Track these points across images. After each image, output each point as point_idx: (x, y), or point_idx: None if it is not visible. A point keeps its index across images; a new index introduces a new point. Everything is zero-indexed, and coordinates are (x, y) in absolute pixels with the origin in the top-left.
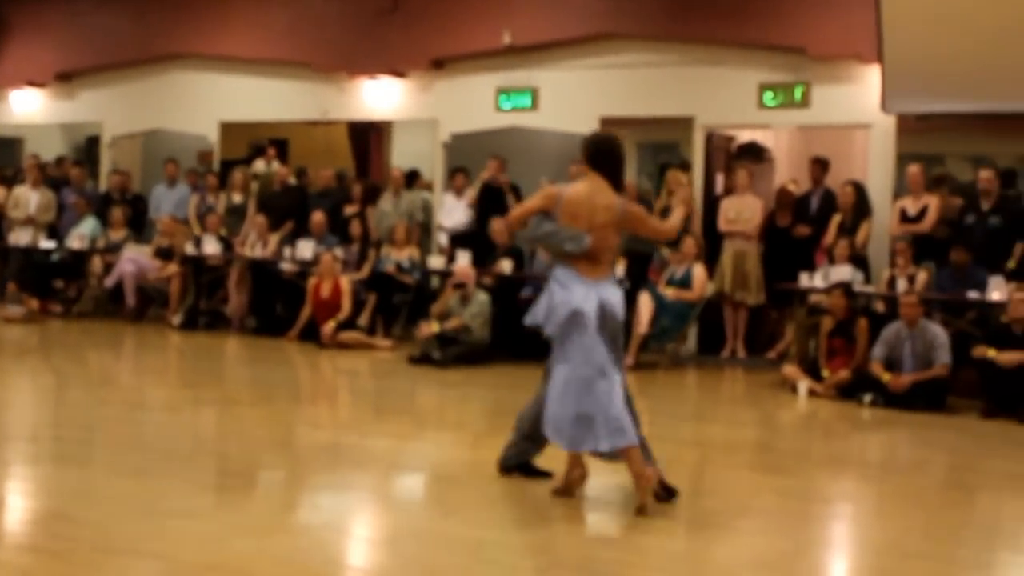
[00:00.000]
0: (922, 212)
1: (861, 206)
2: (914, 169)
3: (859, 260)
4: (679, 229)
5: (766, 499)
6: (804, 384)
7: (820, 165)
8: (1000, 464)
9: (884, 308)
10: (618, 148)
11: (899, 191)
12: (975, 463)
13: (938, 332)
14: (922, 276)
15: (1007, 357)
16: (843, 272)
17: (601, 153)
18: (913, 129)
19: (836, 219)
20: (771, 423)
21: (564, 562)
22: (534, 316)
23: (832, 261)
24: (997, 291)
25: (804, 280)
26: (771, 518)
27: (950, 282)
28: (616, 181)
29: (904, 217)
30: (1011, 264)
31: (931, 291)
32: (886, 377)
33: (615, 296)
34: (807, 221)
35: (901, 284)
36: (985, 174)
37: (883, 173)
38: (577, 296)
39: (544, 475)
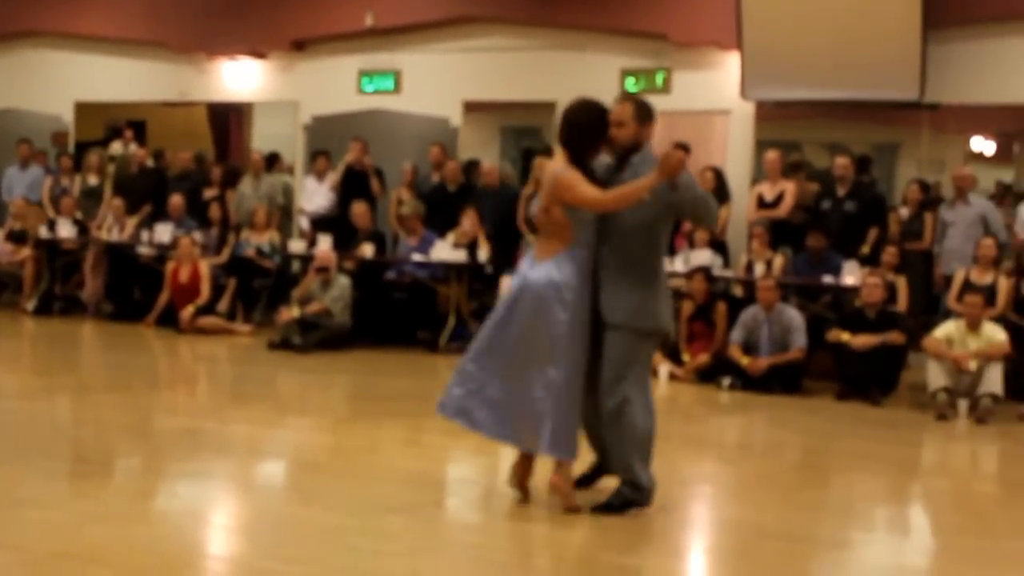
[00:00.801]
0: (779, 198)
1: (720, 192)
2: (772, 155)
3: (718, 245)
4: (633, 196)
5: None
6: (665, 368)
7: (681, 150)
8: (853, 444)
9: (742, 292)
10: (575, 114)
11: (757, 177)
12: (829, 444)
13: (794, 316)
14: (779, 261)
15: (860, 340)
16: (703, 257)
17: (560, 122)
18: (771, 116)
19: None
20: None
21: (428, 547)
22: None
23: (692, 246)
24: (851, 276)
25: (665, 265)
26: None
27: (806, 267)
28: (573, 151)
29: (761, 203)
30: (865, 249)
31: (788, 275)
32: (744, 361)
33: (544, 274)
34: None
35: (758, 269)
36: (841, 161)
37: (742, 159)
38: (514, 278)
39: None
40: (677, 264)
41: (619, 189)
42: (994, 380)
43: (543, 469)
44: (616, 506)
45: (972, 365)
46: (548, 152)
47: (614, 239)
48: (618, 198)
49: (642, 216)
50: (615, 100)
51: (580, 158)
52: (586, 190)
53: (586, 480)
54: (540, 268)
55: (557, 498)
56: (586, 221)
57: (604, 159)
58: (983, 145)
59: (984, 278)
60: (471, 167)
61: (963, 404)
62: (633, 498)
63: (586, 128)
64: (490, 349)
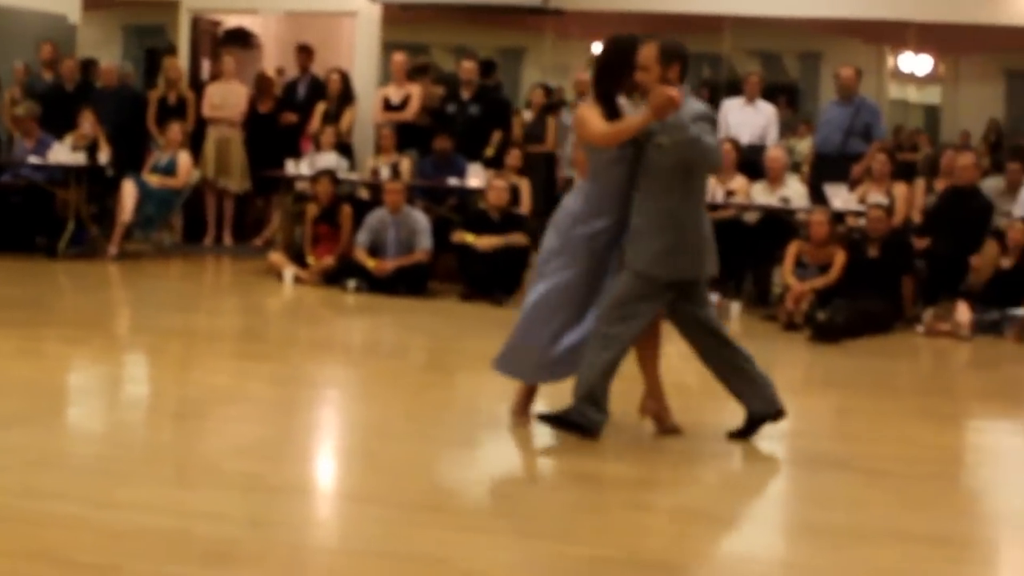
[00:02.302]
0: (405, 101)
1: (346, 94)
2: (398, 58)
3: (344, 147)
4: (625, 132)
5: (252, 386)
6: (290, 271)
7: (305, 52)
8: (478, 345)
9: (368, 195)
10: (605, 52)
11: (383, 80)
12: (454, 345)
13: (420, 218)
14: (405, 163)
15: (484, 242)
16: (328, 159)
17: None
18: (398, 18)
19: (321, 107)
20: (257, 311)
21: (43, 460)
22: None
23: (318, 148)
24: (476, 178)
25: (290, 167)
26: (257, 405)
27: (432, 169)
28: (600, 90)
29: (387, 105)
30: (489, 152)
31: (413, 178)
32: (370, 263)
33: (563, 203)
34: (295, 108)
35: (384, 171)
36: (466, 64)
37: (368, 62)
38: None
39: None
40: (302, 167)
41: (616, 124)
42: None
43: None
44: (567, 423)
45: None
46: (172, 51)
47: (644, 183)
48: (610, 133)
49: (669, 159)
50: (640, 41)
51: (603, 94)
52: (593, 125)
53: (742, 433)
54: (567, 197)
55: None
56: (607, 160)
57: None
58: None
59: None
60: (88, 66)
61: None
62: (586, 424)
63: (609, 64)
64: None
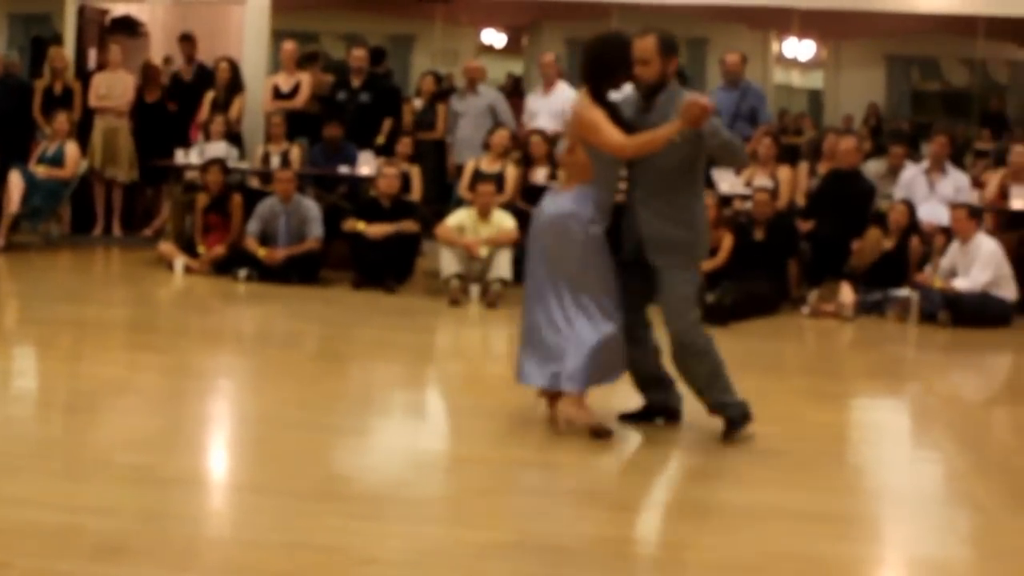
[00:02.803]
0: (295, 89)
1: (235, 82)
2: (288, 46)
3: (234, 136)
4: (651, 145)
5: (143, 378)
6: (180, 261)
7: (188, 41)
8: (370, 333)
9: (259, 184)
10: (597, 48)
11: (273, 68)
12: (347, 333)
13: (311, 206)
14: (295, 152)
15: (375, 230)
16: (218, 148)
17: (583, 56)
18: (287, 6)
19: (210, 95)
20: (148, 301)
21: None
22: None
23: (208, 137)
24: (367, 166)
25: (180, 157)
26: (148, 396)
27: (322, 157)
28: (595, 88)
29: (277, 93)
30: (380, 139)
31: (304, 166)
32: (261, 252)
33: (560, 205)
34: (181, 97)
35: (275, 160)
36: (356, 52)
37: (257, 50)
38: (534, 216)
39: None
40: (192, 156)
41: (641, 136)
42: (503, 265)
43: None
44: (735, 430)
45: (483, 252)
46: (58, 40)
47: (652, 181)
48: (641, 146)
49: (679, 156)
50: (635, 34)
51: (602, 95)
52: (610, 134)
53: (636, 417)
54: (557, 200)
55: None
56: (608, 161)
57: (630, 94)
58: (494, 38)
59: (494, 167)
60: None
61: (475, 289)
62: (740, 419)
63: (608, 64)
64: (537, 296)
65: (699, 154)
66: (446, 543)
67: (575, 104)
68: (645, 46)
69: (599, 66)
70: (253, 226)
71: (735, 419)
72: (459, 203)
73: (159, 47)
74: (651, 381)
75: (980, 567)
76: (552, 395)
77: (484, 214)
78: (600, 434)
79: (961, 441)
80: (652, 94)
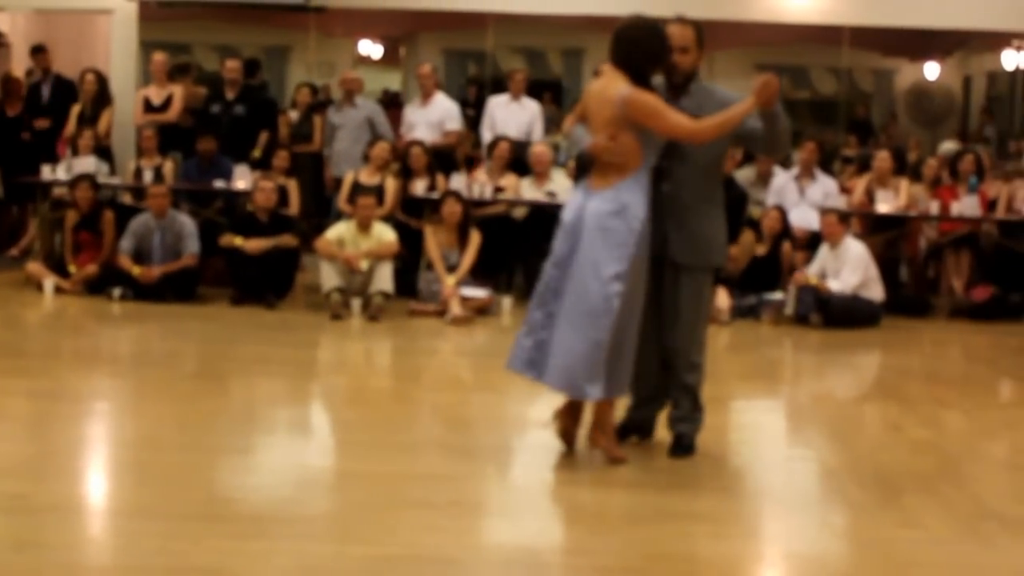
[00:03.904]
0: (167, 101)
1: (102, 95)
2: (159, 57)
3: (103, 151)
4: (728, 124)
5: (12, 403)
6: (50, 281)
7: (41, 53)
8: (250, 349)
9: (131, 200)
10: (634, 31)
11: (143, 80)
12: (226, 350)
13: (186, 222)
14: (169, 166)
15: (253, 245)
16: (87, 164)
17: (616, 41)
18: (157, 16)
19: (76, 109)
20: (17, 324)
21: None
22: None
23: (76, 152)
24: (243, 180)
25: (46, 173)
26: (18, 423)
27: (197, 171)
28: (635, 72)
29: (148, 107)
30: (256, 153)
31: (179, 181)
32: (136, 270)
33: (607, 204)
34: (41, 111)
35: (148, 175)
36: (230, 64)
37: (126, 61)
38: (566, 209)
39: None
40: (59, 172)
41: (715, 118)
42: (385, 278)
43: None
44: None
45: (363, 265)
46: None
47: (684, 175)
48: (716, 127)
49: (717, 150)
50: (670, 22)
51: (647, 81)
52: (679, 118)
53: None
54: (601, 197)
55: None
56: (655, 145)
57: (658, 80)
58: (371, 48)
59: (373, 179)
60: None
61: (356, 303)
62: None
63: (649, 49)
64: (556, 290)
65: (727, 151)
66: (334, 559)
67: (613, 89)
68: (685, 34)
69: (642, 52)
70: (126, 243)
71: (693, 441)
72: (338, 216)
73: (21, 59)
74: (648, 398)
75: (853, 560)
76: (565, 412)
77: (364, 227)
78: (617, 461)
79: (833, 438)
80: (685, 83)
